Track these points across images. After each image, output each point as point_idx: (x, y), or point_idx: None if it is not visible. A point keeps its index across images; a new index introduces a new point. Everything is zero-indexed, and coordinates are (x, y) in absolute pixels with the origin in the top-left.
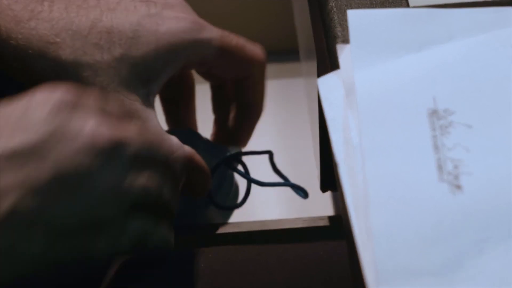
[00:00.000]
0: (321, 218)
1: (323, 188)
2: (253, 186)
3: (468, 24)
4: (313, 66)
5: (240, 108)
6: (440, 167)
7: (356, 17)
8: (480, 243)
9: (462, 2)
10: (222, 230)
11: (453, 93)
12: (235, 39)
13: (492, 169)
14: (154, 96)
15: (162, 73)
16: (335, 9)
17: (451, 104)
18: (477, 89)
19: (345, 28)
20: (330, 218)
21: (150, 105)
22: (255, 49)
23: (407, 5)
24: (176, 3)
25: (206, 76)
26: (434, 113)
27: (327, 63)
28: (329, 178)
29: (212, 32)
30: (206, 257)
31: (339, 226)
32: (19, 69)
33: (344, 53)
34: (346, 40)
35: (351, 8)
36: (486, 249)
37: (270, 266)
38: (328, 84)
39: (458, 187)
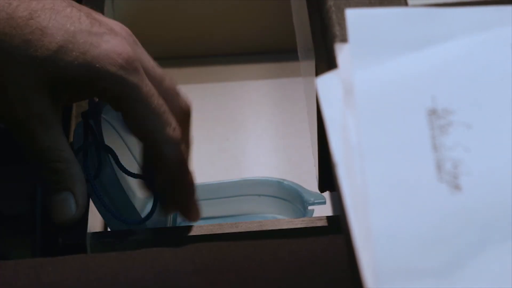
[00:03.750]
0: (319, 218)
1: (322, 188)
2: None
3: (468, 23)
4: (311, 65)
5: None
6: (439, 167)
7: (354, 16)
8: (480, 243)
9: (462, 1)
10: (219, 230)
11: (453, 93)
12: (156, 101)
13: (492, 169)
14: (60, 110)
15: (74, 94)
16: (333, 8)
17: (450, 104)
18: (477, 89)
19: (343, 27)
20: (328, 218)
21: (55, 114)
22: (170, 125)
23: (406, 4)
24: (121, 32)
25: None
26: (433, 113)
27: (326, 62)
28: (328, 178)
29: (139, 81)
30: (201, 253)
31: (337, 226)
32: None
33: (343, 52)
34: (344, 40)
35: (350, 7)
36: (486, 250)
37: (266, 264)
38: (327, 83)
39: (458, 187)
